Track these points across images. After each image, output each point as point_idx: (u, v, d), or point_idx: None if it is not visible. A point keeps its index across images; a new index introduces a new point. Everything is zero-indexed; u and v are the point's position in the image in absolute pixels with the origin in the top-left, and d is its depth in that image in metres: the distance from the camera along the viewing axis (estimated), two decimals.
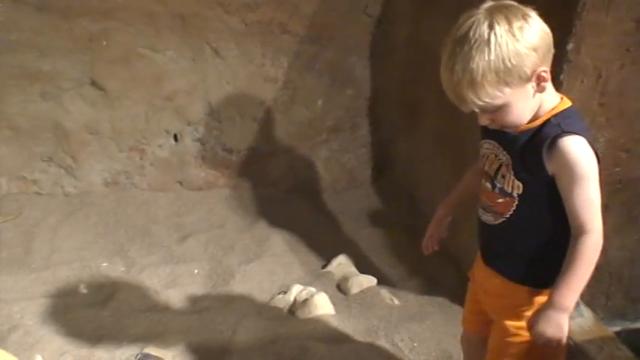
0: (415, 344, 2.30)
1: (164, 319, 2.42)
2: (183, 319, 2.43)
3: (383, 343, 2.30)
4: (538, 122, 1.45)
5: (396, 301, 2.57)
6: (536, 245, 1.53)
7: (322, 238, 3.01)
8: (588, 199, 1.40)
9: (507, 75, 1.36)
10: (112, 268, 2.75)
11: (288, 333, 2.38)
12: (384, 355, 2.25)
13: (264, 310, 2.52)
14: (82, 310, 2.46)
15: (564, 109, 1.45)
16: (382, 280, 2.69)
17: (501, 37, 1.34)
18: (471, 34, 1.35)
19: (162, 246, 2.94)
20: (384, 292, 2.61)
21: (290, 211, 3.27)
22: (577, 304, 2.19)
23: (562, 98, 1.49)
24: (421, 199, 3.23)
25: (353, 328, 2.42)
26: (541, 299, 1.52)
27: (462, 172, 1.81)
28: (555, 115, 1.44)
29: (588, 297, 2.30)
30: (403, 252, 2.90)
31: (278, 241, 2.97)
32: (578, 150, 1.39)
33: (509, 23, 1.35)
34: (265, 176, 3.44)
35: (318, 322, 2.43)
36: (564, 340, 1.44)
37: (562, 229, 1.45)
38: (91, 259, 2.80)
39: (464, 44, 1.36)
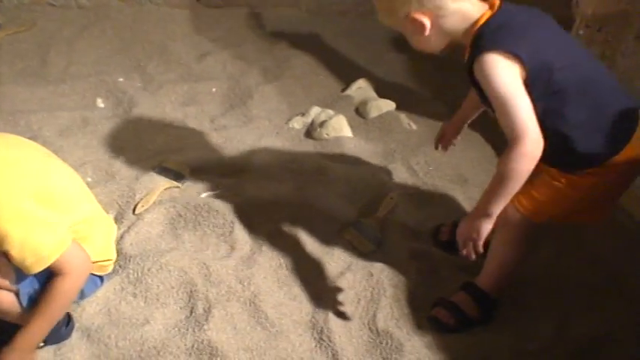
0: (431, 168, 2.30)
1: (182, 135, 2.43)
2: (202, 136, 2.44)
3: (399, 165, 2.31)
4: (468, 45, 1.46)
5: (414, 126, 2.55)
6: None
7: (343, 61, 2.94)
8: (511, 110, 1.35)
9: (390, 8, 1.48)
10: (129, 84, 2.72)
11: (305, 153, 2.39)
12: (399, 177, 2.27)
13: (281, 131, 2.52)
14: (101, 124, 2.47)
15: (482, 25, 1.44)
16: (401, 105, 2.65)
17: None
18: None
19: (179, 63, 2.89)
20: (403, 117, 2.58)
21: (311, 32, 3.16)
22: None
23: (483, 8, 1.46)
24: None
25: (370, 150, 2.42)
26: (569, 176, 1.56)
27: None
28: (474, 37, 1.43)
29: None
30: (424, 78, 2.84)
31: (297, 62, 2.91)
32: (487, 70, 1.37)
33: None
34: None
35: (335, 143, 2.43)
36: (480, 243, 1.49)
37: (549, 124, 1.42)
38: (108, 73, 2.77)
39: None
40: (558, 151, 1.47)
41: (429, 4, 1.43)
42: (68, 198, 1.61)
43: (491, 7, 1.46)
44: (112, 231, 1.83)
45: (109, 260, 1.78)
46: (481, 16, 1.45)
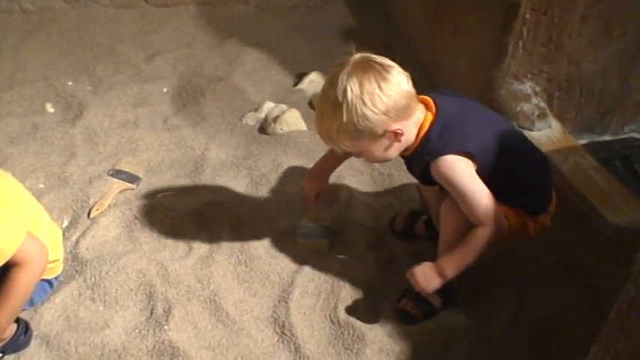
0: None
1: (135, 137, 2.40)
2: (155, 136, 2.42)
3: (354, 157, 2.32)
4: (413, 149, 1.63)
5: None
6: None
7: (294, 56, 2.94)
8: (474, 203, 1.57)
9: (358, 134, 1.54)
10: (79, 87, 2.68)
11: (260, 149, 2.39)
12: (355, 168, 2.28)
13: (235, 128, 2.51)
14: (51, 129, 2.44)
15: (428, 130, 1.60)
16: None
17: (352, 102, 1.49)
18: (329, 94, 1.53)
19: (129, 65, 2.85)
20: None
21: (261, 28, 3.15)
22: (546, 116, 2.21)
23: (425, 112, 1.62)
24: (396, 15, 3.13)
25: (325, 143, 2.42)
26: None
27: None
28: (422, 140, 1.61)
29: (558, 110, 2.31)
30: None
31: (248, 59, 2.89)
32: (447, 171, 1.58)
33: (362, 88, 1.49)
34: None
35: (289, 138, 2.43)
36: (427, 291, 1.68)
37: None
38: (56, 77, 2.72)
39: (324, 104, 1.56)
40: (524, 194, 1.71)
41: (402, 114, 1.55)
42: (14, 199, 1.61)
43: (429, 109, 1.64)
44: (56, 232, 1.82)
45: (56, 261, 1.76)
46: (424, 122, 1.62)
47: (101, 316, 1.78)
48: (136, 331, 1.74)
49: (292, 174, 2.25)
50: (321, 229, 2.01)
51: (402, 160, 2.30)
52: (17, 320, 1.68)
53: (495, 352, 1.73)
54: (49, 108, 2.57)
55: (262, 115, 2.54)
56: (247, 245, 1.99)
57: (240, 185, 2.22)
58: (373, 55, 1.57)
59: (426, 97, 1.65)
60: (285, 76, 2.82)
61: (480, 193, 1.57)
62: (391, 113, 1.53)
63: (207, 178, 2.24)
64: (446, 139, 1.59)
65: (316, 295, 1.86)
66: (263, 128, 2.50)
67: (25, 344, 1.68)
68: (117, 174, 2.23)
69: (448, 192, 1.64)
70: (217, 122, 2.53)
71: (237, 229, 2.04)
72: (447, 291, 1.78)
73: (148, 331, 1.73)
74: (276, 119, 2.47)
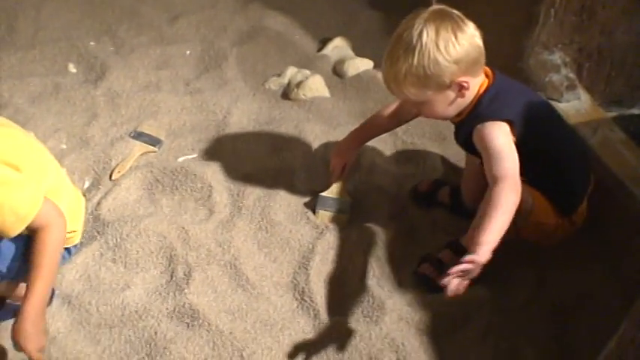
0: (409, 126, 2.29)
1: (157, 100, 2.39)
2: (177, 99, 2.40)
3: None
4: (466, 113, 1.66)
5: None
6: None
7: (318, 21, 2.89)
8: (498, 159, 1.56)
9: (426, 80, 1.55)
10: (101, 48, 2.66)
11: (282, 114, 2.37)
12: (381, 137, 2.25)
13: (258, 93, 2.49)
14: (73, 90, 2.42)
15: (482, 94, 1.64)
16: (379, 64, 2.61)
17: (426, 45, 1.51)
18: (405, 36, 1.54)
19: (151, 26, 2.82)
20: (380, 75, 2.55)
21: None
22: (575, 88, 2.17)
23: (483, 80, 1.65)
24: None
25: (348, 110, 2.40)
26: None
27: None
28: (475, 104, 1.64)
29: (587, 82, 2.27)
30: None
31: (272, 22, 2.85)
32: (485, 134, 1.60)
33: (437, 34, 1.52)
34: None
35: (312, 104, 2.41)
36: (475, 273, 1.44)
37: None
38: (78, 38, 2.70)
39: (396, 45, 1.56)
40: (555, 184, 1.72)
41: (471, 68, 1.58)
42: (37, 165, 1.60)
43: (487, 76, 1.66)
44: (78, 202, 1.79)
45: (73, 231, 1.74)
46: (480, 86, 1.64)
47: (122, 278, 1.79)
48: (157, 293, 1.75)
49: (314, 140, 2.23)
50: (343, 202, 2.00)
51: (424, 130, 2.30)
52: None
53: (514, 325, 1.72)
54: (72, 68, 2.55)
55: (285, 81, 2.51)
56: (268, 211, 1.98)
57: (261, 150, 2.20)
58: (449, 8, 1.59)
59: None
60: (309, 41, 2.78)
61: (507, 154, 1.57)
62: (462, 64, 1.55)
63: (228, 143, 2.23)
64: (495, 106, 1.62)
65: (336, 262, 1.85)
66: (286, 93, 2.47)
67: (49, 302, 1.70)
68: (139, 136, 2.22)
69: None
70: (240, 86, 2.50)
71: (257, 195, 2.03)
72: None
73: (168, 293, 1.74)
74: (299, 85, 2.44)
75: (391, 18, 2.90)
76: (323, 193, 2.01)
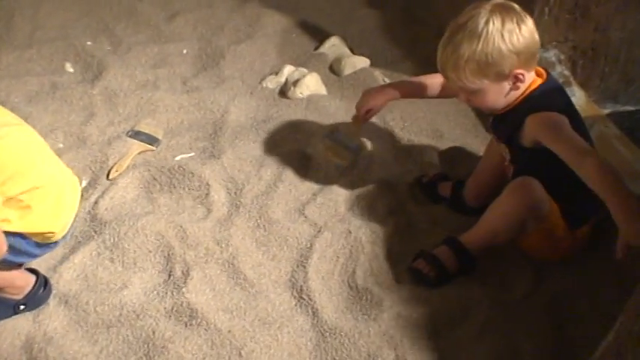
0: (406, 123, 2.30)
1: (154, 98, 2.39)
2: (174, 98, 2.40)
3: (374, 121, 2.29)
4: (513, 105, 1.69)
5: (389, 82, 2.53)
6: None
7: (315, 19, 2.89)
8: (575, 146, 1.56)
9: (486, 67, 1.59)
10: (98, 47, 2.67)
11: (279, 113, 2.37)
12: (375, 133, 2.26)
13: (255, 91, 2.49)
14: (70, 89, 2.43)
15: (535, 89, 1.68)
16: (376, 62, 2.63)
17: (491, 33, 1.57)
18: (469, 23, 1.59)
19: (149, 25, 2.83)
20: (377, 73, 2.56)
21: None
22: (570, 85, 2.18)
23: (535, 78, 1.69)
24: None
25: (345, 108, 2.40)
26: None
27: None
28: (526, 97, 1.68)
29: (582, 79, 2.27)
30: (398, 33, 2.81)
31: (269, 21, 2.85)
32: (548, 124, 1.62)
33: (503, 24, 1.57)
34: None
35: (310, 102, 2.41)
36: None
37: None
38: (76, 37, 2.70)
39: (459, 31, 1.60)
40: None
41: (529, 61, 1.63)
42: (18, 167, 1.52)
43: (540, 75, 1.71)
44: (64, 202, 1.66)
45: (50, 233, 1.63)
46: (532, 82, 1.68)
47: (119, 277, 1.79)
48: (155, 292, 1.75)
49: (311, 138, 2.23)
50: (352, 141, 1.98)
51: (422, 126, 2.30)
52: (36, 274, 1.70)
53: (512, 320, 1.72)
54: (69, 67, 2.56)
55: (282, 79, 2.51)
56: (266, 209, 1.98)
57: (259, 148, 2.20)
58: (511, 2, 1.64)
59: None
60: (307, 39, 2.79)
61: (577, 138, 1.59)
62: (522, 56, 1.60)
63: (226, 141, 2.23)
64: (548, 100, 1.67)
65: (334, 259, 1.85)
66: (283, 92, 2.47)
67: (45, 298, 1.70)
68: (136, 135, 2.22)
69: (516, 163, 1.75)
70: (237, 85, 2.50)
71: (255, 193, 2.04)
72: (463, 257, 1.77)
73: (166, 292, 1.74)
74: (296, 83, 2.45)
75: (387, 16, 2.91)
76: (338, 128, 2.00)
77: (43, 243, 1.65)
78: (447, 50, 1.62)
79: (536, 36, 1.62)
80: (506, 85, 1.65)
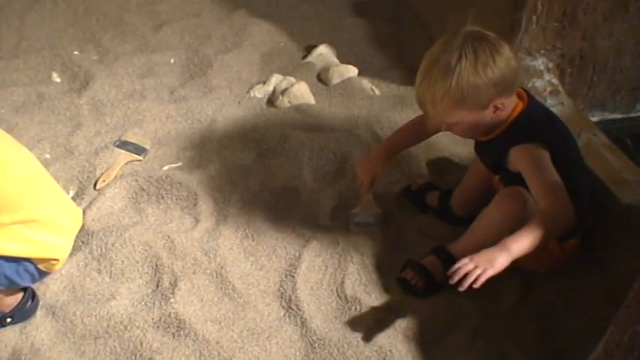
0: None
1: (141, 108, 2.38)
2: (161, 107, 2.40)
3: (363, 131, 2.30)
4: (497, 132, 1.68)
5: (377, 92, 2.54)
6: None
7: (303, 28, 2.90)
8: (546, 186, 1.59)
9: (463, 101, 1.57)
10: (85, 57, 2.66)
11: (267, 122, 2.37)
12: (363, 143, 2.26)
13: (243, 100, 2.48)
14: (57, 99, 2.42)
15: (518, 116, 1.66)
16: (364, 71, 2.63)
17: (465, 69, 1.53)
18: (442, 58, 1.56)
19: (135, 35, 2.82)
20: (365, 83, 2.56)
21: None
22: (558, 93, 2.19)
23: (517, 102, 1.67)
24: None
25: (333, 117, 2.40)
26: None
27: None
28: (510, 125, 1.66)
29: (570, 87, 2.28)
30: (386, 42, 2.81)
31: (257, 30, 2.85)
32: (529, 158, 1.62)
33: (476, 58, 1.54)
34: None
35: (297, 111, 2.41)
36: (487, 275, 1.49)
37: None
38: (62, 47, 2.69)
39: (434, 66, 1.57)
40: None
41: (507, 90, 1.60)
42: (20, 197, 1.54)
43: (521, 99, 1.69)
44: (58, 232, 1.66)
45: (55, 260, 1.65)
46: (515, 107, 1.67)
47: (107, 288, 1.78)
48: (142, 303, 1.74)
49: (300, 147, 2.22)
50: (375, 216, 1.97)
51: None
52: (24, 288, 1.69)
53: (501, 329, 1.72)
54: (55, 77, 2.54)
55: (270, 88, 2.51)
56: (254, 219, 1.98)
57: (246, 158, 2.20)
58: (484, 30, 1.62)
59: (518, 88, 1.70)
60: (294, 48, 2.79)
61: (554, 179, 1.60)
62: (499, 86, 1.57)
63: (213, 151, 2.22)
64: (532, 128, 1.66)
65: (323, 269, 1.85)
66: (271, 101, 2.47)
67: (32, 311, 1.69)
68: (123, 145, 2.21)
69: (505, 182, 1.75)
70: (224, 94, 2.50)
71: (243, 203, 2.03)
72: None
73: (154, 303, 1.73)
74: (284, 92, 2.44)
75: (376, 25, 2.92)
76: (354, 210, 1.99)
77: (45, 271, 1.67)
78: (423, 86, 1.60)
79: (513, 63, 1.59)
80: (487, 114, 1.63)
